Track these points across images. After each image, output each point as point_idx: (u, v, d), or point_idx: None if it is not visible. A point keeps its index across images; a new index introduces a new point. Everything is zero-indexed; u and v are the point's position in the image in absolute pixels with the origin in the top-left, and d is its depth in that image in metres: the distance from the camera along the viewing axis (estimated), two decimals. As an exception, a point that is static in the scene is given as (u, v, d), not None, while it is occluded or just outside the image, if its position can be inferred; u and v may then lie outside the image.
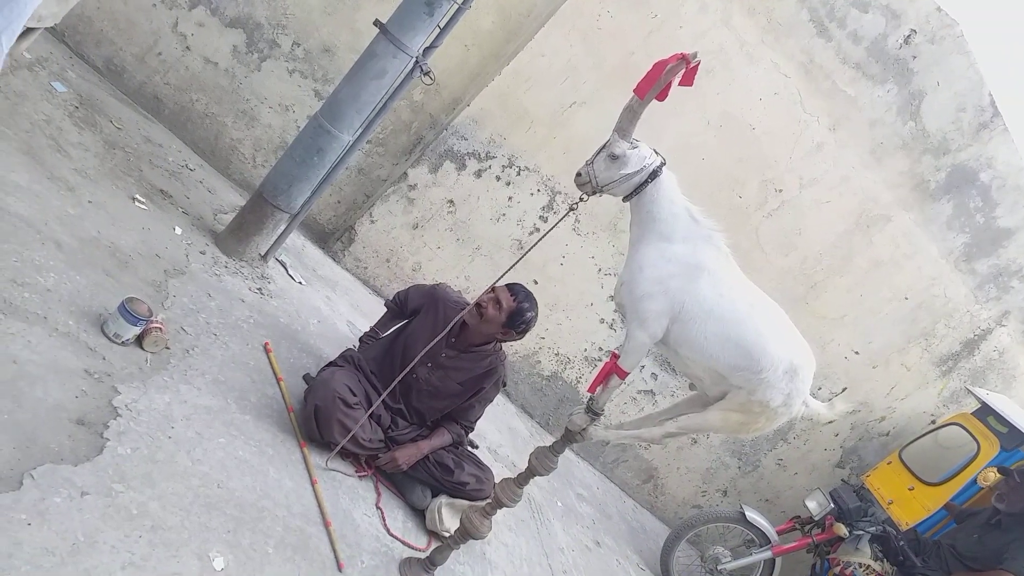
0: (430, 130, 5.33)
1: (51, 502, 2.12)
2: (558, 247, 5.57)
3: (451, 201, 5.33)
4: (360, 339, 3.98)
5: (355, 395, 3.41)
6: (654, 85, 2.59)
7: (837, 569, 5.63)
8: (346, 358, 3.70)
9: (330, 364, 3.69)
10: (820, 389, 6.28)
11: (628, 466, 6.48)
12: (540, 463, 3.13)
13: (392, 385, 3.46)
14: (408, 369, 3.45)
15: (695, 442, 6.44)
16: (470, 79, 5.23)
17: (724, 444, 6.50)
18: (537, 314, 3.70)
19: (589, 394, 3.09)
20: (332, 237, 5.46)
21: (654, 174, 2.82)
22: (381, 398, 3.47)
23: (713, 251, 2.88)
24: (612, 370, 3.01)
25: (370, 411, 3.42)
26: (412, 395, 3.69)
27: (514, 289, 3.63)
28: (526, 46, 4.97)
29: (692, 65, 2.68)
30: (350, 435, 3.31)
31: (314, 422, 3.32)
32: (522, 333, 3.69)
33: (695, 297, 2.81)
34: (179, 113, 5.01)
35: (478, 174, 5.27)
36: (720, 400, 3.03)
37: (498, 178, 5.31)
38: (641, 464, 6.49)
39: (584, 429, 3.09)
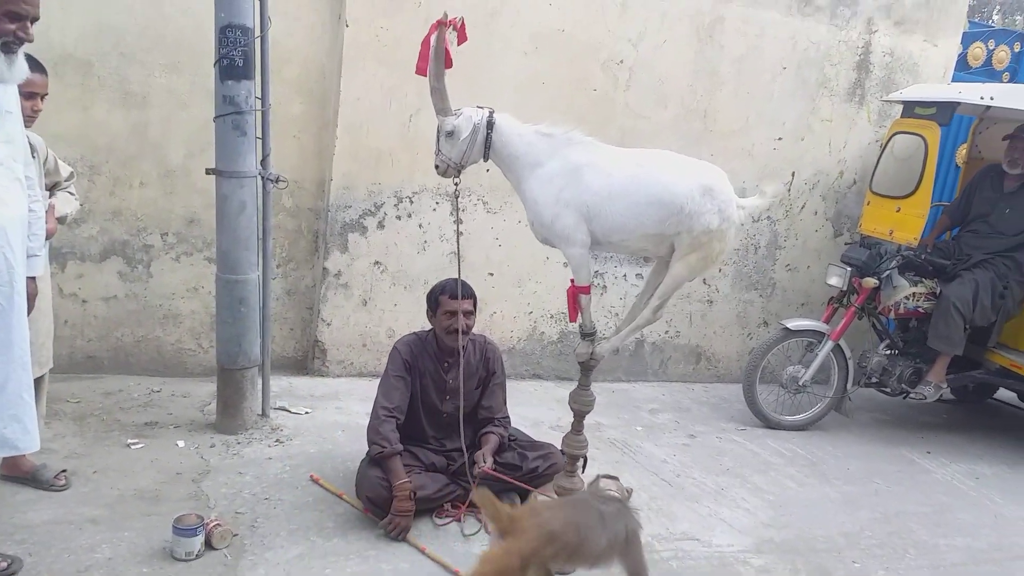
0: (318, 221, 5.51)
1: None
2: (486, 234, 5.77)
3: (377, 262, 5.52)
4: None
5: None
6: (431, 59, 2.80)
7: (892, 315, 5.87)
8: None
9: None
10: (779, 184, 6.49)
11: (674, 360, 6.68)
12: (579, 403, 3.35)
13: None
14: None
15: (711, 302, 6.65)
16: (317, 158, 5.41)
17: (734, 286, 6.71)
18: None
19: (574, 323, 3.30)
20: (307, 359, 5.64)
21: (490, 124, 3.03)
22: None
23: (579, 148, 3.10)
24: (576, 292, 3.23)
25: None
26: (455, 426, 3.87)
27: (463, 290, 3.72)
28: (340, 100, 5.17)
29: (458, 24, 2.90)
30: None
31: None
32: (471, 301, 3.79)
33: (590, 191, 3.03)
34: (116, 356, 5.17)
35: (380, 226, 5.46)
36: (673, 253, 3.25)
37: (398, 217, 5.51)
38: (682, 352, 6.69)
39: (592, 353, 3.30)
